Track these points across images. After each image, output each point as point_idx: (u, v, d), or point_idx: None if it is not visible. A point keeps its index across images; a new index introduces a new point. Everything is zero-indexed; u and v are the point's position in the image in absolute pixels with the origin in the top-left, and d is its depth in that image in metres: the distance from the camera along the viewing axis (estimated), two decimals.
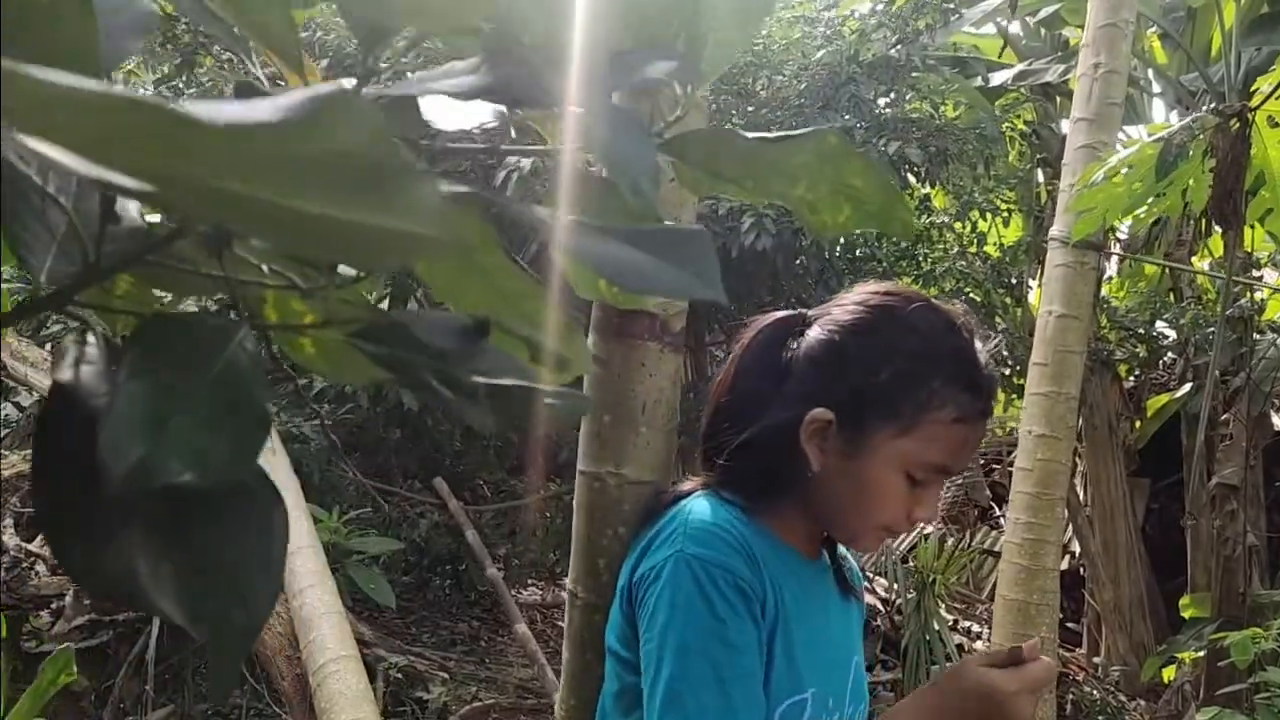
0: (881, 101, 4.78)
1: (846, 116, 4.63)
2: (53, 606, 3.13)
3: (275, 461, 3.58)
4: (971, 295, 5.78)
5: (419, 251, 0.40)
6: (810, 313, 1.17)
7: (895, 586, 4.16)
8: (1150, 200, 2.12)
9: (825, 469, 1.10)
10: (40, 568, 3.09)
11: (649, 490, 1.21)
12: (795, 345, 1.14)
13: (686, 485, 1.18)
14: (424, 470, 5.77)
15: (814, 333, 1.13)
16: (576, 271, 0.76)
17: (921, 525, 6.89)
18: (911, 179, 5.13)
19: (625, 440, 1.20)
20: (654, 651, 1.03)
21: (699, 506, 1.09)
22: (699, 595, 1.01)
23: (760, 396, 1.14)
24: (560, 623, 3.69)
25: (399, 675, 3.16)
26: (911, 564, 4.31)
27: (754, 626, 1.03)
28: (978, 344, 1.14)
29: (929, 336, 1.10)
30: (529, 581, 5.79)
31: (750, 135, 0.64)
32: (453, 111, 0.74)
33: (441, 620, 5.39)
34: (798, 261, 4.93)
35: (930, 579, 3.92)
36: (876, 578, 4.70)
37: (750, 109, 4.87)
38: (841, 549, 1.29)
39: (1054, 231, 2.99)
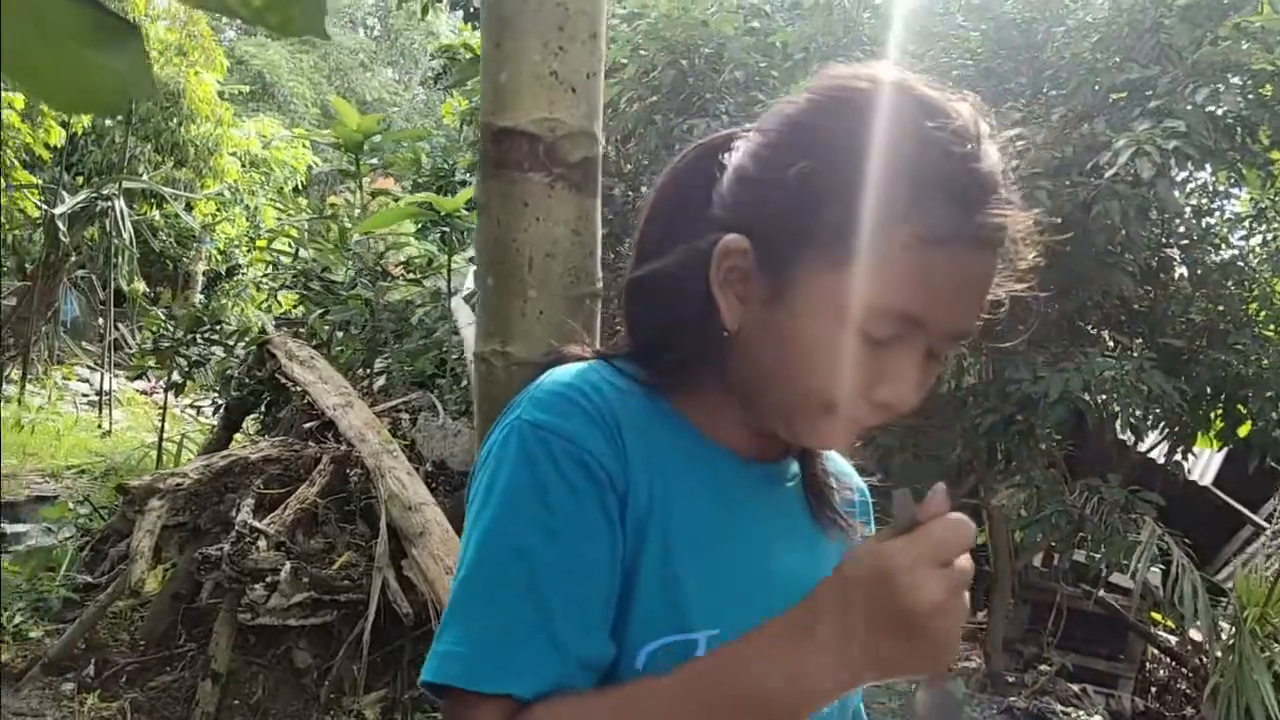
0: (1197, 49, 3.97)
1: (1151, 69, 3.89)
2: (267, 580, 3.26)
3: None
4: None
5: None
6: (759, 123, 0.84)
7: (1199, 622, 3.29)
8: None
9: (747, 326, 0.77)
10: (261, 543, 3.23)
11: None
12: (727, 160, 0.82)
13: (574, 350, 0.88)
14: None
15: (747, 140, 0.81)
16: None
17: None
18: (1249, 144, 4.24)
19: (511, 308, 0.92)
20: (464, 543, 0.76)
21: (566, 370, 0.80)
22: (527, 471, 0.72)
23: (672, 228, 0.83)
24: None
25: None
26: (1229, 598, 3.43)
27: (601, 517, 0.73)
28: (983, 144, 0.75)
29: (891, 121, 0.73)
30: None
31: None
32: None
33: None
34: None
35: (1245, 614, 3.06)
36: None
37: (1034, 72, 4.26)
38: (838, 465, 0.94)
39: None
